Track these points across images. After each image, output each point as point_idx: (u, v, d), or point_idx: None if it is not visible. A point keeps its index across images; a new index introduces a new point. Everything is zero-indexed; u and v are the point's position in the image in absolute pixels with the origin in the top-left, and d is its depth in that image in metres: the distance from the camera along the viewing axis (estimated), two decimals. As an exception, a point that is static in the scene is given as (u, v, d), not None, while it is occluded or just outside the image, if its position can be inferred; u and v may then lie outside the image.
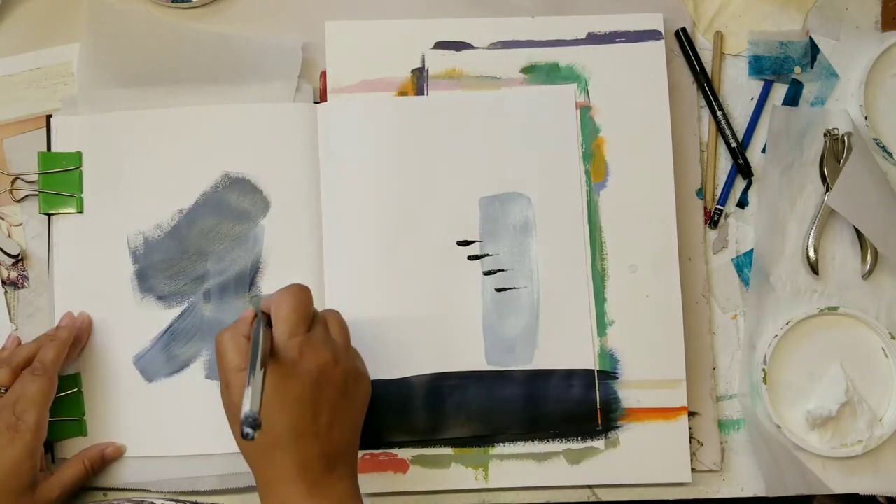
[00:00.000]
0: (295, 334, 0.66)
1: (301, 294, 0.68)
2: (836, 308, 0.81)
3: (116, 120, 0.81)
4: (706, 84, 0.85)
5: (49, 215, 0.80)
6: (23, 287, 0.82)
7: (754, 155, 0.86)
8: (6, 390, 0.73)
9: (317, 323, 0.68)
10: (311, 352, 0.66)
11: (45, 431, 0.72)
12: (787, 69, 0.86)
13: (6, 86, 0.83)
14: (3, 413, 0.70)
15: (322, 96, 0.83)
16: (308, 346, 0.66)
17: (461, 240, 0.80)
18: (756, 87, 0.86)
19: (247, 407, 0.56)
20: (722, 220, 0.84)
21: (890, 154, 0.84)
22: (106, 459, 0.77)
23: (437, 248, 0.80)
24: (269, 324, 0.66)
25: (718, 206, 0.84)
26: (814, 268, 0.82)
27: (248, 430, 0.55)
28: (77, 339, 0.77)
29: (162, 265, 0.79)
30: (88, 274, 0.80)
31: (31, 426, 0.70)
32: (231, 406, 0.65)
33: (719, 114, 0.84)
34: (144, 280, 0.79)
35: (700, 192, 0.84)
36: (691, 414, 0.80)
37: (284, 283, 0.74)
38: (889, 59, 0.85)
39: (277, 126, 0.81)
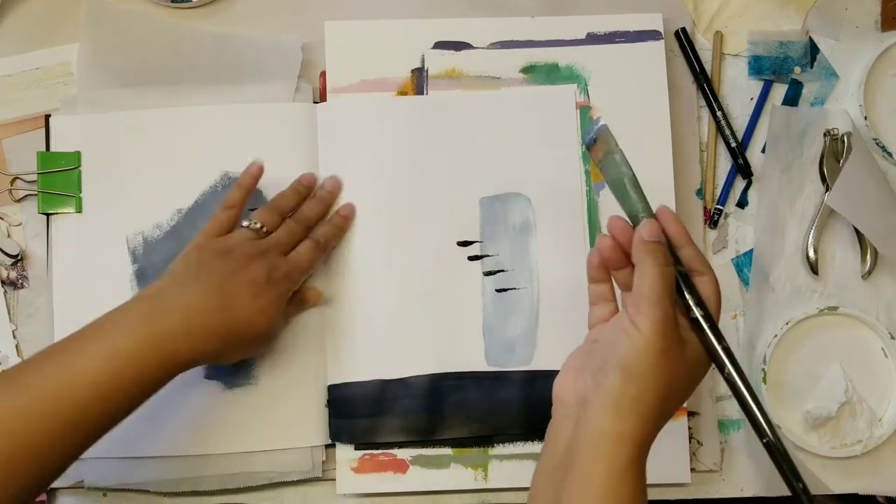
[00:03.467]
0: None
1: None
2: (835, 308, 0.82)
3: (116, 120, 0.81)
4: (706, 84, 0.85)
5: (48, 215, 0.80)
6: (22, 287, 0.82)
7: (754, 155, 0.86)
8: (267, 233, 0.74)
9: None
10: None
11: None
12: (787, 69, 0.86)
13: (6, 86, 0.83)
14: (267, 256, 0.71)
15: (322, 96, 0.83)
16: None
17: (461, 240, 0.80)
18: (756, 87, 0.87)
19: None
20: (722, 220, 0.84)
21: (890, 154, 0.84)
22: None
23: (437, 249, 0.80)
24: None
25: (718, 206, 0.84)
26: (813, 268, 0.82)
27: None
28: (342, 227, 0.79)
29: (161, 265, 0.79)
30: (88, 274, 0.79)
31: (288, 289, 0.73)
32: None
33: (719, 114, 0.84)
34: (144, 280, 0.79)
35: (700, 192, 0.84)
36: (691, 414, 0.80)
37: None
38: (889, 59, 0.85)
39: (277, 126, 0.81)
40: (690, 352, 0.60)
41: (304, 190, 0.79)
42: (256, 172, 0.78)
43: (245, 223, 0.74)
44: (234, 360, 0.72)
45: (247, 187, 0.77)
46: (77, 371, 0.61)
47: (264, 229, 0.74)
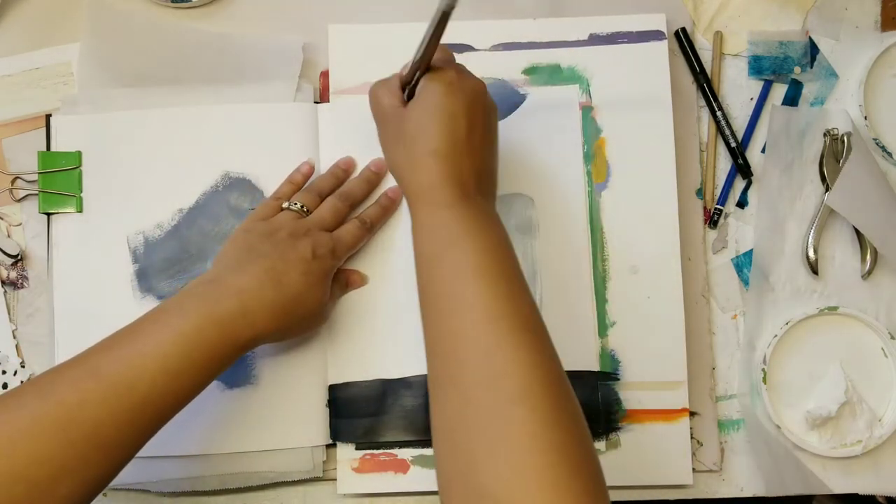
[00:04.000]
0: (451, 63, 0.69)
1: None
2: (835, 308, 0.82)
3: (116, 120, 0.81)
4: (706, 84, 0.85)
5: (48, 215, 0.80)
6: (22, 287, 0.82)
7: (754, 155, 0.86)
8: (308, 213, 0.76)
9: None
10: (467, 75, 0.69)
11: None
12: (787, 69, 0.86)
13: (6, 86, 0.83)
14: (311, 233, 0.73)
15: (322, 96, 0.83)
16: (464, 71, 0.70)
17: (464, 241, 0.80)
18: (756, 87, 0.87)
19: (405, 72, 0.69)
20: (721, 220, 0.84)
21: (889, 154, 0.84)
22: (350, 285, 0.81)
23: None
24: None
25: (718, 206, 0.84)
26: (813, 268, 0.83)
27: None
28: (388, 208, 0.81)
29: (162, 265, 0.79)
30: (88, 274, 0.79)
31: (333, 266, 0.74)
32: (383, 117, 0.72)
33: (719, 114, 0.84)
34: (145, 280, 0.79)
35: (700, 193, 0.84)
36: (691, 414, 0.80)
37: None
38: (889, 59, 0.85)
39: (278, 126, 0.81)
40: (417, 106, 0.68)
41: (342, 173, 0.80)
42: (308, 171, 0.80)
43: (285, 205, 0.76)
44: (291, 337, 0.76)
45: (297, 183, 0.79)
46: (148, 354, 0.61)
47: (305, 209, 0.76)
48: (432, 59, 0.68)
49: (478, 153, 0.67)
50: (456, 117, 0.66)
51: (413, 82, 0.70)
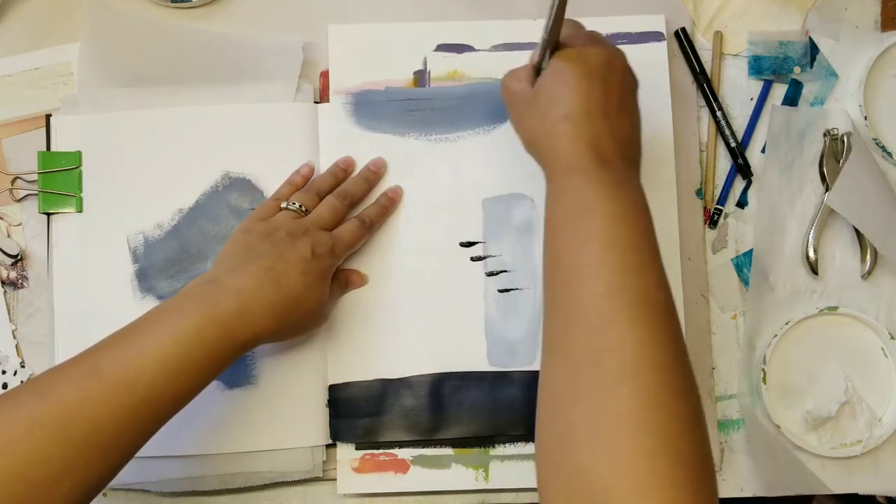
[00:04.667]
0: (580, 34, 0.67)
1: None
2: (835, 308, 0.82)
3: (116, 120, 0.81)
4: (706, 84, 0.85)
5: (48, 215, 0.80)
6: (22, 287, 0.82)
7: (754, 155, 0.86)
8: (307, 212, 0.76)
9: None
10: (599, 42, 0.67)
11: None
12: (787, 69, 0.86)
13: (6, 86, 0.83)
14: (310, 232, 0.73)
15: (322, 96, 0.83)
16: (596, 37, 0.67)
17: (464, 241, 0.80)
18: (756, 87, 0.87)
19: (536, 56, 0.67)
20: (721, 220, 0.84)
21: (889, 154, 0.84)
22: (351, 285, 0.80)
23: (440, 250, 0.80)
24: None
25: (718, 206, 0.84)
26: (813, 268, 0.83)
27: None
28: (387, 207, 0.80)
29: (162, 265, 0.79)
30: (88, 274, 0.79)
31: (332, 265, 0.74)
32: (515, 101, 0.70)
33: (719, 114, 0.84)
34: (145, 280, 0.79)
35: (699, 192, 0.84)
36: (691, 414, 0.80)
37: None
38: (889, 59, 0.85)
39: (278, 126, 0.81)
40: (548, 77, 0.66)
41: (341, 173, 0.80)
42: (307, 173, 0.80)
43: (284, 205, 0.76)
44: (290, 337, 0.75)
45: (297, 185, 0.79)
46: (148, 354, 0.61)
47: (304, 209, 0.76)
48: (560, 37, 0.66)
49: (615, 118, 0.64)
50: (589, 82, 0.64)
51: (544, 64, 0.68)
